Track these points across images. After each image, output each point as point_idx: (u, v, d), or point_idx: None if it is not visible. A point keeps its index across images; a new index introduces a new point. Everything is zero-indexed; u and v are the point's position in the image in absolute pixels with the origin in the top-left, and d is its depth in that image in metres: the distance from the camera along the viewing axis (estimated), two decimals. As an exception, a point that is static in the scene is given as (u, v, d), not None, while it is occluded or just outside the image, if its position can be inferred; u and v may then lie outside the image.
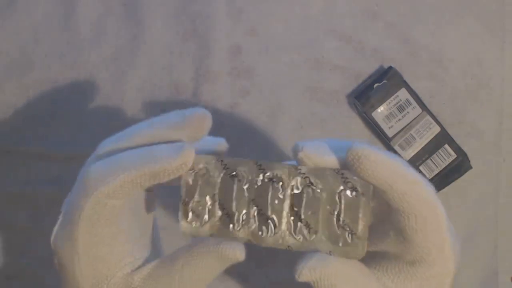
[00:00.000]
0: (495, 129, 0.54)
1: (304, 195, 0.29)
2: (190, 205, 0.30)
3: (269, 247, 0.30)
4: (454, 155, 0.52)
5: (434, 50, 0.53)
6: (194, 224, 0.30)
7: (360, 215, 0.29)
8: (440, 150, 0.52)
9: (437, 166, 0.52)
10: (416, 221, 0.29)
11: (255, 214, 0.30)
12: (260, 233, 0.30)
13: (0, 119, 0.53)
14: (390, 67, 0.52)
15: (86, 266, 0.30)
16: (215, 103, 0.53)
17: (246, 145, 0.52)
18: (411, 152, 0.52)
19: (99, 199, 0.29)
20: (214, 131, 0.53)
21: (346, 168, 0.29)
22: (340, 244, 0.29)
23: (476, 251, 0.53)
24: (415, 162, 0.52)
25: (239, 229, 0.30)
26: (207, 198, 0.30)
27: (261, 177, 0.30)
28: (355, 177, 0.29)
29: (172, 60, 0.53)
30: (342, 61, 0.53)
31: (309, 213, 0.29)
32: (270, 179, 0.30)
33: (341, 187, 0.29)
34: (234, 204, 0.30)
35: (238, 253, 0.29)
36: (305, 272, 0.29)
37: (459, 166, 0.52)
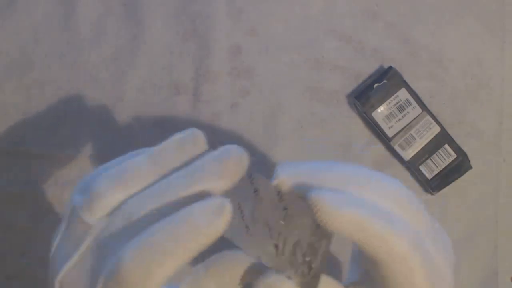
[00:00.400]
0: (495, 129, 0.54)
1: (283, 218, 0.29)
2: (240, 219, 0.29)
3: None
4: (454, 155, 0.52)
5: (434, 50, 0.53)
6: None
7: (319, 254, 0.28)
8: (440, 150, 0.52)
9: (437, 166, 0.52)
10: (384, 270, 0.27)
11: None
12: None
13: (0, 119, 0.53)
14: (390, 67, 0.52)
15: None
16: (215, 103, 0.53)
17: (246, 145, 0.52)
18: (411, 152, 0.52)
19: None
20: (214, 131, 0.53)
21: None
22: (299, 274, 0.29)
23: (476, 251, 0.53)
24: (415, 162, 0.52)
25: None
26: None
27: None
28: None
29: (172, 60, 0.53)
30: (342, 61, 0.53)
31: (281, 235, 0.29)
32: (255, 190, 0.29)
33: (310, 220, 0.28)
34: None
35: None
36: None
37: (459, 166, 0.52)
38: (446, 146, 0.52)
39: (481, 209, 0.53)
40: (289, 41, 0.53)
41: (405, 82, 0.52)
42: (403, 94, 0.52)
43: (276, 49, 0.53)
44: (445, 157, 0.52)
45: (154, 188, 0.27)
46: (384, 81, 0.51)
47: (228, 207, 0.25)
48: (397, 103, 0.51)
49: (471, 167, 0.52)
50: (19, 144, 0.53)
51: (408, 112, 0.52)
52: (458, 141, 0.52)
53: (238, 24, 0.53)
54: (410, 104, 0.52)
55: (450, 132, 0.52)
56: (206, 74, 0.53)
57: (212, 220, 0.25)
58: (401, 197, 0.28)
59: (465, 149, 0.52)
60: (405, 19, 0.53)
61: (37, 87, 0.53)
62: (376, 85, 0.51)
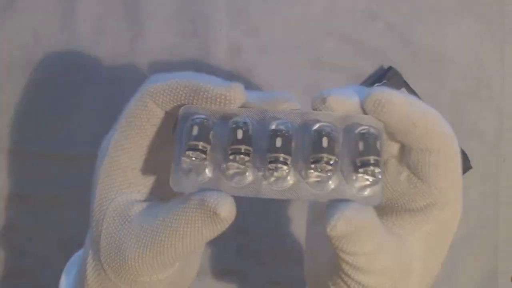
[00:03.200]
0: (495, 129, 0.54)
1: (320, 139, 0.27)
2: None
3: (274, 198, 0.27)
4: (454, 155, 0.52)
5: (434, 50, 0.53)
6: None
7: (376, 158, 0.27)
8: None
9: (437, 166, 0.52)
10: (438, 156, 0.28)
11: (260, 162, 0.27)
12: (265, 182, 0.27)
13: (0, 119, 0.53)
14: (390, 67, 0.52)
15: (106, 171, 0.29)
16: (215, 103, 0.53)
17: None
18: (411, 152, 0.52)
19: (143, 95, 0.29)
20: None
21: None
22: (360, 191, 0.27)
23: (476, 251, 0.53)
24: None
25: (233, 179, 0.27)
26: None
27: (271, 125, 0.27)
28: (365, 120, 0.27)
29: (172, 60, 0.53)
30: (342, 61, 0.53)
31: (326, 159, 0.26)
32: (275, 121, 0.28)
33: (356, 130, 0.27)
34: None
35: (223, 207, 0.26)
36: (340, 224, 0.26)
37: (459, 166, 0.52)
38: (446, 146, 0.52)
39: (481, 209, 0.53)
40: (289, 41, 0.53)
41: (405, 82, 0.52)
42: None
43: (276, 49, 0.53)
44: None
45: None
46: (384, 81, 0.51)
47: (237, 84, 0.28)
48: (397, 103, 0.51)
49: (471, 167, 0.52)
50: (19, 144, 0.53)
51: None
52: (458, 141, 0.52)
53: (238, 24, 0.53)
54: (410, 104, 0.52)
55: (450, 132, 0.52)
56: (206, 74, 0.53)
57: (218, 81, 0.28)
58: None
59: (465, 149, 0.52)
60: (405, 19, 0.53)
61: (37, 87, 0.53)
62: (376, 85, 0.51)
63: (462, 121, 0.53)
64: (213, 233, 0.27)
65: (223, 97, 0.27)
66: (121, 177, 0.30)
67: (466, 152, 0.52)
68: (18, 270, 0.53)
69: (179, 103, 0.28)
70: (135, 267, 0.28)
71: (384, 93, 0.27)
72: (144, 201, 0.30)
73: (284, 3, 0.53)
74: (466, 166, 0.52)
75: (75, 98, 0.53)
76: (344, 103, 0.27)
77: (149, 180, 0.31)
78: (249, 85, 0.53)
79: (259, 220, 0.52)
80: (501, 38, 0.54)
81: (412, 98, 0.28)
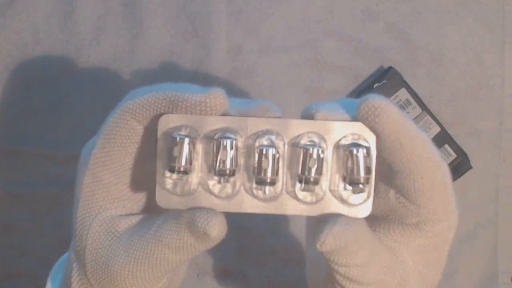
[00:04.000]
0: (495, 129, 0.54)
1: (307, 158, 0.26)
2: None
3: (261, 213, 0.27)
4: (454, 155, 0.52)
5: (434, 50, 0.53)
6: None
7: (366, 171, 0.26)
8: (440, 150, 0.52)
9: (437, 166, 0.52)
10: (423, 183, 0.27)
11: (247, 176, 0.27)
12: (252, 197, 0.27)
13: (0, 118, 0.53)
14: (390, 67, 0.52)
15: (87, 186, 0.29)
16: (215, 103, 0.53)
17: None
18: (411, 152, 0.52)
19: (123, 113, 0.28)
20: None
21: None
22: (348, 204, 0.27)
23: (476, 251, 0.53)
24: (415, 162, 0.52)
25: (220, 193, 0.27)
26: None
27: (257, 140, 0.27)
28: (356, 134, 0.27)
29: (172, 60, 0.53)
30: (342, 61, 0.53)
31: (313, 172, 0.26)
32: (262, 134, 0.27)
33: (345, 143, 0.27)
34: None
35: (213, 227, 0.26)
36: (329, 240, 0.26)
37: (459, 166, 0.52)
38: (446, 146, 0.52)
39: (481, 209, 0.53)
40: (289, 41, 0.53)
41: (405, 82, 0.52)
42: (403, 94, 0.52)
43: (276, 49, 0.53)
44: (445, 157, 0.52)
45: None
46: (384, 81, 0.51)
47: (216, 90, 0.26)
48: (397, 103, 0.51)
49: (471, 167, 0.52)
50: (19, 144, 0.53)
51: (408, 112, 0.52)
52: (458, 141, 0.52)
53: (238, 24, 0.53)
54: (410, 104, 0.52)
55: (450, 132, 0.52)
56: (206, 74, 0.53)
57: (196, 89, 0.27)
58: None
59: (465, 149, 0.52)
60: (405, 19, 0.53)
61: (37, 87, 0.53)
62: (376, 85, 0.51)
63: (462, 121, 0.53)
64: (206, 248, 0.27)
65: (203, 104, 0.26)
66: (104, 193, 0.29)
67: (466, 152, 0.52)
68: (18, 270, 0.53)
69: (158, 111, 0.28)
70: (126, 282, 0.28)
71: (381, 102, 0.26)
72: (132, 214, 0.30)
73: (284, 3, 0.53)
74: (466, 166, 0.52)
75: (75, 98, 0.53)
76: (332, 118, 0.27)
77: (136, 194, 0.30)
78: (249, 85, 0.53)
79: (259, 220, 0.52)
80: (501, 38, 0.54)
81: (408, 118, 0.27)
